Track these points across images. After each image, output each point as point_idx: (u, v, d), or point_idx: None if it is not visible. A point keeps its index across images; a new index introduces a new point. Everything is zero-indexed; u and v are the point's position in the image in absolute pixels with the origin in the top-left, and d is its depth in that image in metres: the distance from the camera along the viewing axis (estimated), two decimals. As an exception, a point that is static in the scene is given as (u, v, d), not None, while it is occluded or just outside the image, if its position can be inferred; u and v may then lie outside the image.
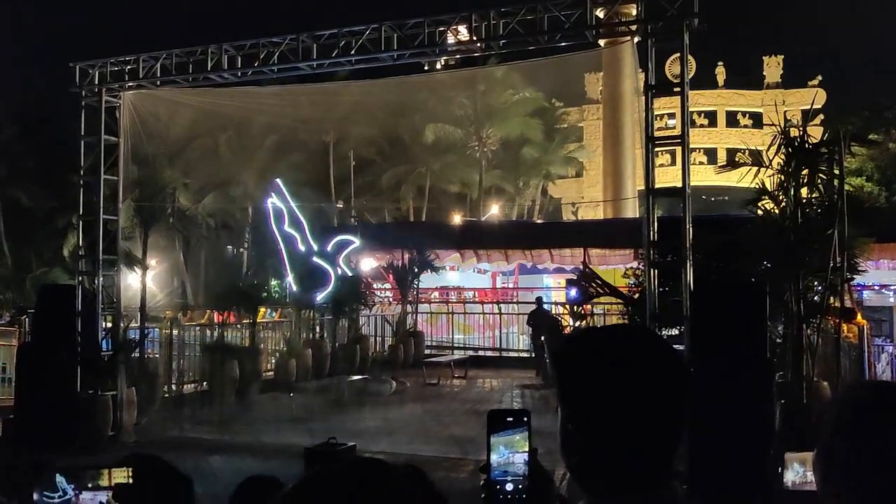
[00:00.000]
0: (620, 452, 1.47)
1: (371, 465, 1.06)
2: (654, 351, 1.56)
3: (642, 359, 1.51)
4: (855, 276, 10.57)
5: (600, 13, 11.30)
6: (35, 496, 1.84)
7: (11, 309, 23.06)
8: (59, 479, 1.84)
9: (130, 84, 12.45)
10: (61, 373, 11.69)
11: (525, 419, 1.63)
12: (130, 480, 1.48)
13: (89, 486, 1.47)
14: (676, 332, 9.80)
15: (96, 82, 12.41)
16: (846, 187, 10.26)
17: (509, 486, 1.60)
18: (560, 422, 1.54)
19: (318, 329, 20.21)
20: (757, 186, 10.41)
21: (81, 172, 13.04)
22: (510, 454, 1.61)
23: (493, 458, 1.61)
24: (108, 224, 12.63)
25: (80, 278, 12.64)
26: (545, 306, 20.56)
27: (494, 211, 37.80)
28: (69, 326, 12.03)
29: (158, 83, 12.43)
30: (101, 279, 12.41)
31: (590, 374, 1.52)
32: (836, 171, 10.06)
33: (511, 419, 1.63)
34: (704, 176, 30.80)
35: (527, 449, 1.62)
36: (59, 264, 26.41)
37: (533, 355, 19.62)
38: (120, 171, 12.72)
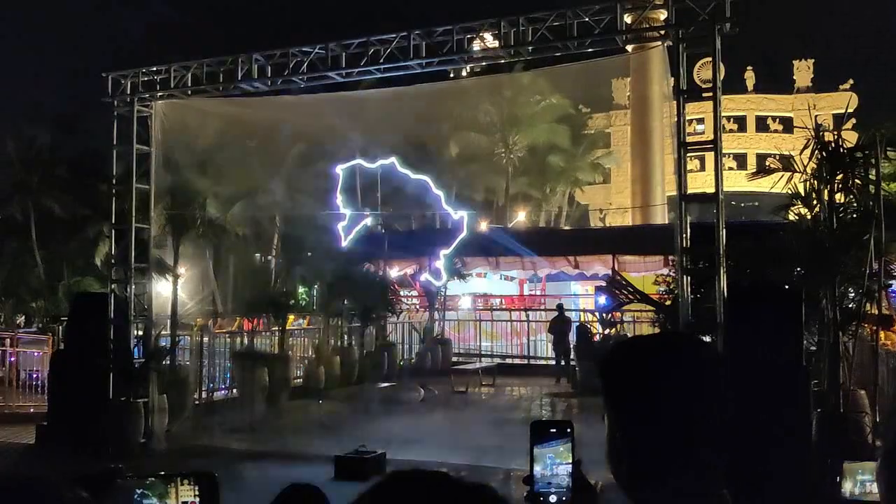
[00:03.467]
0: (667, 460, 1.44)
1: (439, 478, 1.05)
2: (701, 358, 1.54)
3: (688, 366, 1.49)
4: (892, 283, 10.38)
5: (629, 18, 11.23)
6: None
7: (44, 317, 23.36)
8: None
9: (162, 94, 12.56)
10: (94, 380, 11.81)
11: (568, 430, 1.61)
12: (197, 499, 1.45)
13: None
14: (710, 339, 9.68)
15: (128, 92, 12.53)
16: (882, 192, 10.09)
17: (553, 498, 1.57)
18: (607, 429, 1.52)
19: (345, 336, 20.26)
20: (789, 192, 10.27)
21: (113, 182, 13.18)
22: (554, 465, 1.59)
23: (537, 469, 1.59)
24: (140, 232, 12.75)
25: (113, 286, 12.76)
26: (570, 313, 20.49)
27: (521, 218, 37.72)
28: (102, 334, 12.15)
29: (189, 92, 12.52)
30: (133, 287, 12.51)
31: (636, 382, 1.50)
32: (872, 176, 9.90)
33: (554, 430, 1.61)
34: (734, 181, 30.47)
35: (570, 460, 1.59)
36: (91, 273, 26.67)
37: (562, 363, 19.51)
38: (151, 180, 12.83)
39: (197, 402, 14.64)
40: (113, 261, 13.05)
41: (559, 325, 19.56)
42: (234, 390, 15.98)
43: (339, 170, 18.12)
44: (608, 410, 1.54)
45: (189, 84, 12.32)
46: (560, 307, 20.32)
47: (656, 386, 1.47)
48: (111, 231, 13.23)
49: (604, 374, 1.59)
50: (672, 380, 1.47)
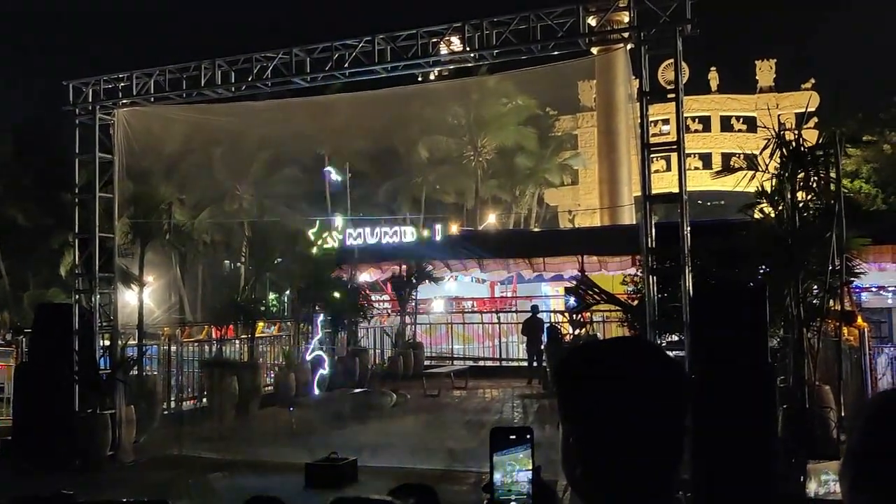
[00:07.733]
0: (622, 464, 1.45)
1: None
2: (653, 362, 1.54)
3: (640, 371, 1.50)
4: (854, 279, 10.54)
5: (592, 21, 11.30)
6: None
7: (9, 329, 22.98)
8: None
9: (124, 101, 12.41)
10: (59, 392, 11.63)
11: (528, 437, 1.61)
12: None
13: None
14: (677, 338, 9.76)
15: (90, 100, 12.38)
16: (842, 189, 10.24)
17: None
18: (561, 435, 1.52)
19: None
20: (756, 189, 10.38)
21: (76, 190, 13.00)
22: (513, 473, 1.59)
23: (496, 476, 1.58)
24: (105, 242, 12.58)
25: (77, 296, 12.58)
26: (542, 314, 20.57)
27: (491, 220, 37.80)
28: (67, 345, 11.97)
29: (152, 100, 12.39)
30: (97, 297, 12.35)
31: (588, 388, 1.51)
32: (833, 174, 10.04)
33: (514, 437, 1.61)
34: (700, 181, 30.86)
35: (530, 467, 1.59)
36: (57, 283, 26.34)
37: (534, 364, 19.58)
38: (115, 188, 12.67)
39: (165, 413, 14.47)
40: (77, 270, 12.86)
41: (532, 326, 19.63)
42: (204, 399, 15.82)
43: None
44: (562, 416, 1.54)
45: (152, 91, 12.19)
46: (534, 308, 20.39)
47: (605, 392, 1.47)
48: (75, 240, 13.04)
49: (556, 379, 1.60)
50: (621, 385, 1.47)
